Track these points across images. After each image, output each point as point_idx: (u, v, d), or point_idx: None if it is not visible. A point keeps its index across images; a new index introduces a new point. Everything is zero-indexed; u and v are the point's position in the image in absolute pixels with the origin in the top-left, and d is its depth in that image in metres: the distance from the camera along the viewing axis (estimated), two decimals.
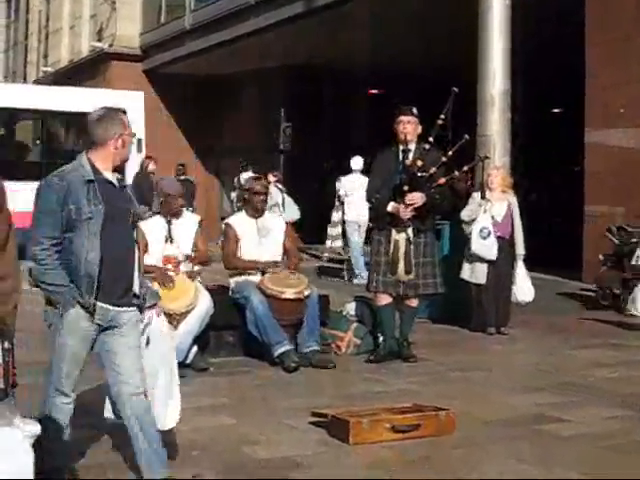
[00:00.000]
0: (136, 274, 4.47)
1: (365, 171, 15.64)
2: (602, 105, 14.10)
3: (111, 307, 4.35)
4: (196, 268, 7.92)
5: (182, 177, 19.71)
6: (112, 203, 4.36)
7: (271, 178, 17.30)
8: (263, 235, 8.33)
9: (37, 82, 35.54)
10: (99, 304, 4.30)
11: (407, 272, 7.99)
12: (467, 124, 9.52)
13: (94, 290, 4.26)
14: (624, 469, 5.04)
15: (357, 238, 15.80)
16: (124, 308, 4.41)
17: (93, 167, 4.40)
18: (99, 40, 29.13)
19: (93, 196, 4.30)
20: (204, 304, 7.62)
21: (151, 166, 18.14)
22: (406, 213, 7.91)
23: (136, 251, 4.50)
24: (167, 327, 4.80)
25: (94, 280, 4.25)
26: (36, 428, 3.14)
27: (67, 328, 4.29)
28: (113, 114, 4.53)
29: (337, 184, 16.85)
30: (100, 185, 4.36)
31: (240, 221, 8.40)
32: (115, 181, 4.49)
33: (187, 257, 7.81)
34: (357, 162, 15.92)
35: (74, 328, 4.30)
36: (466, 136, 8.26)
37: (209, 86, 27.17)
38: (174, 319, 7.32)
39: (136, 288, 4.47)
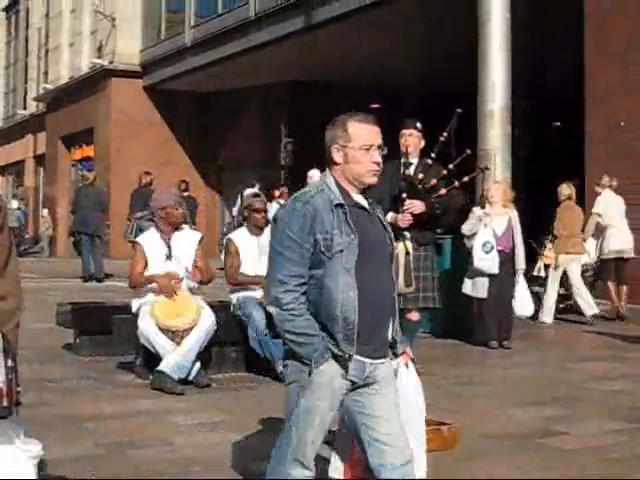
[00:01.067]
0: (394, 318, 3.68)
1: None
2: (602, 117, 14.13)
3: (368, 360, 3.54)
4: (195, 284, 7.91)
5: (185, 194, 19.70)
6: (366, 232, 3.55)
7: (276, 194, 17.32)
8: (263, 253, 8.30)
9: (37, 99, 35.67)
10: (355, 357, 3.49)
11: (407, 285, 7.92)
12: (468, 138, 9.51)
13: (354, 339, 3.46)
14: None
15: None
16: (381, 360, 3.61)
17: (340, 187, 3.60)
18: (99, 57, 29.25)
19: (344, 224, 3.49)
20: (207, 320, 7.61)
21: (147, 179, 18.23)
22: (404, 221, 7.80)
23: (395, 290, 3.73)
24: (416, 377, 4.01)
25: (354, 327, 3.44)
26: (38, 448, 3.13)
27: (318, 389, 3.49)
28: (340, 119, 3.73)
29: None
30: (351, 210, 3.54)
31: (241, 237, 8.40)
32: (367, 205, 3.66)
33: (188, 273, 7.79)
34: (315, 175, 15.89)
35: (326, 388, 3.50)
36: (468, 150, 8.25)
37: (209, 102, 27.25)
38: (177, 335, 7.38)
39: (392, 334, 3.67)
